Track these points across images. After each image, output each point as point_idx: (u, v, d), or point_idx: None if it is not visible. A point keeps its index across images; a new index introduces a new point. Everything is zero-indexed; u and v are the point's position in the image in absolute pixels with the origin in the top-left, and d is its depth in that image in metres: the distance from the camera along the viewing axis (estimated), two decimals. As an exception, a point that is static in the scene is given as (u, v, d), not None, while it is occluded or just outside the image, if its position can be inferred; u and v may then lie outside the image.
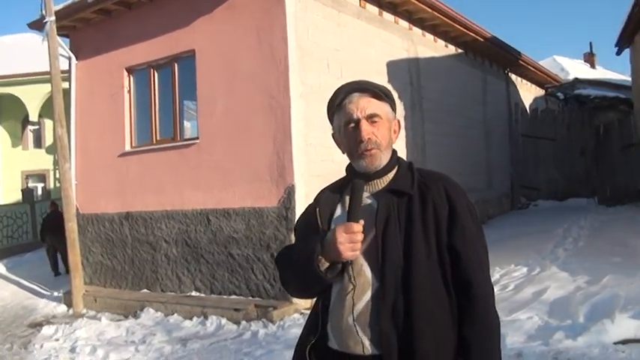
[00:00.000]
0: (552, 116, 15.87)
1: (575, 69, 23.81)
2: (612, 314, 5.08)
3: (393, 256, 1.68)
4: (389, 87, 1.96)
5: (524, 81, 17.15)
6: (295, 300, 7.16)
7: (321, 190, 1.95)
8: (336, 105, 1.83)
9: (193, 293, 8.24)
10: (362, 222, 1.67)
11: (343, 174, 1.88)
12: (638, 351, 4.50)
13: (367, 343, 1.67)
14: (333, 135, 1.92)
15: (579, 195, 14.60)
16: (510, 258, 8.01)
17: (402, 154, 1.94)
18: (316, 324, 1.82)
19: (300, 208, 7.23)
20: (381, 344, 1.65)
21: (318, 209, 1.87)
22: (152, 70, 9.09)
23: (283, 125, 7.40)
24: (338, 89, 1.84)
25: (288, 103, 7.37)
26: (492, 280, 1.86)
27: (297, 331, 6.06)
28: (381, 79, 8.68)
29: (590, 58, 27.23)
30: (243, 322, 6.97)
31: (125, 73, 9.36)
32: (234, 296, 7.81)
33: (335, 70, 8.08)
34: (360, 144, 1.77)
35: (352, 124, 1.79)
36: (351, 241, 1.65)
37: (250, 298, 7.63)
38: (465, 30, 11.43)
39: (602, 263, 7.31)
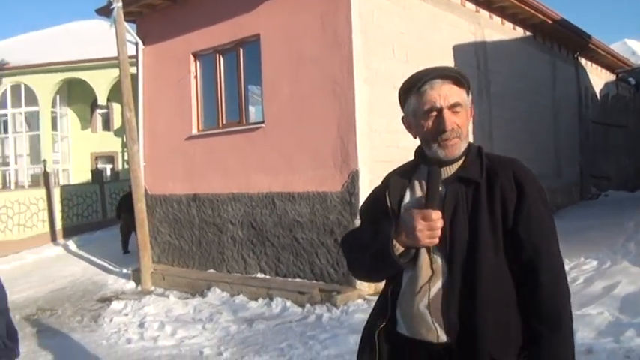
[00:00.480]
0: (623, 102, 15.23)
1: (646, 53, 22.69)
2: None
3: (461, 245, 1.67)
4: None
5: (593, 65, 16.45)
6: (359, 285, 7.19)
7: (390, 174, 1.93)
8: (416, 89, 1.78)
9: (258, 275, 8.39)
10: (437, 211, 1.66)
11: (408, 159, 1.87)
12: None
13: (439, 330, 1.67)
14: (403, 118, 1.89)
15: (652, 185, 14.00)
16: (580, 250, 7.75)
17: (470, 139, 1.90)
18: (385, 309, 1.82)
19: (364, 193, 7.22)
20: (450, 332, 1.65)
21: (388, 192, 1.85)
22: (218, 55, 9.22)
23: (347, 111, 7.39)
24: (417, 73, 1.80)
25: (352, 89, 7.35)
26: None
27: (361, 316, 6.12)
28: (447, 63, 8.51)
29: (662, 42, 25.86)
30: (308, 305, 7.04)
31: (191, 58, 9.54)
32: (298, 279, 7.91)
33: (400, 54, 7.98)
34: (442, 134, 1.73)
35: (434, 112, 1.75)
36: (429, 228, 1.65)
37: (314, 281, 7.70)
38: (533, 12, 11.04)
39: (676, 259, 7.01)
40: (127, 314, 7.52)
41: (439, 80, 1.75)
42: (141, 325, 6.91)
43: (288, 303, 7.20)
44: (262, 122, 8.46)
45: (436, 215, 1.65)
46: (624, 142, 14.58)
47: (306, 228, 7.84)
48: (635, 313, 5.30)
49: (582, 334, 4.95)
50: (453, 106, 1.73)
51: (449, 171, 1.78)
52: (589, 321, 5.24)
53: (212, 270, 9.12)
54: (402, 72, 7.57)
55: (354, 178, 7.30)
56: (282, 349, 5.55)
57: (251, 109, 9.06)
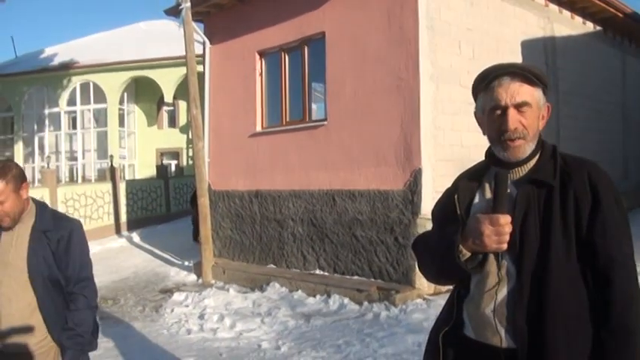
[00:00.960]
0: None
1: None
2: None
3: (531, 249, 1.62)
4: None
5: (666, 61, 15.68)
6: (418, 285, 7.12)
7: (459, 176, 1.91)
8: (484, 85, 1.74)
9: (317, 271, 8.42)
10: (506, 216, 1.61)
11: (472, 158, 1.83)
12: None
13: (504, 335, 1.65)
14: (475, 113, 1.85)
15: None
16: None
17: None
18: (451, 312, 1.82)
19: (426, 192, 7.13)
20: (516, 338, 1.62)
21: (456, 196, 1.82)
22: (283, 53, 9.30)
23: (412, 108, 7.30)
24: (487, 69, 1.75)
25: (417, 86, 7.26)
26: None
27: (419, 316, 6.06)
28: (515, 59, 8.30)
29: None
30: (365, 303, 7.01)
31: (257, 57, 9.67)
32: (356, 277, 7.89)
33: (467, 51, 7.83)
34: (505, 133, 1.69)
35: (499, 111, 1.70)
36: (497, 234, 1.61)
37: (372, 280, 7.67)
38: (604, 5, 10.59)
39: None
40: (187, 306, 7.68)
41: (508, 78, 1.70)
42: (201, 316, 7.05)
43: (346, 300, 7.19)
44: (325, 120, 8.48)
45: (504, 220, 1.61)
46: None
47: (366, 226, 7.81)
48: None
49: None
50: (519, 105, 1.68)
51: (521, 171, 1.73)
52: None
53: (272, 265, 9.22)
54: (468, 69, 7.54)
55: (416, 177, 7.22)
56: (339, 346, 5.56)
57: (314, 106, 9.11)
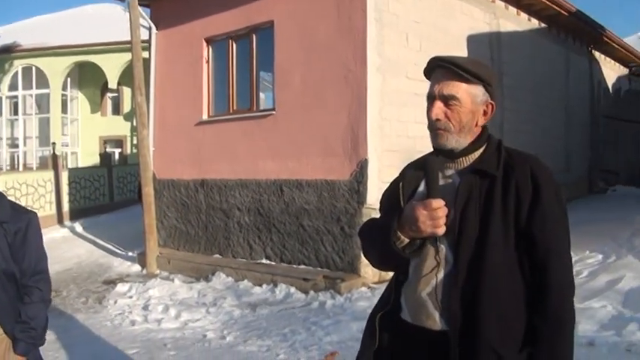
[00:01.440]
0: (636, 97, 15.05)
1: (660, 47, 22.41)
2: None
3: (470, 236, 1.66)
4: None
5: (607, 59, 16.30)
6: (363, 273, 7.22)
7: (407, 165, 1.94)
8: (426, 75, 1.83)
9: (264, 261, 8.40)
10: (439, 200, 1.66)
11: (418, 149, 1.88)
12: None
13: (438, 318, 1.69)
14: None
15: (661, 182, 13.87)
16: (585, 244, 7.73)
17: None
18: (389, 296, 1.86)
19: (372, 182, 7.21)
20: (450, 322, 1.66)
21: (401, 184, 1.86)
22: (231, 41, 9.19)
23: (359, 99, 7.35)
24: (431, 59, 1.81)
25: (364, 77, 7.31)
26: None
27: (364, 304, 6.13)
28: (461, 53, 8.45)
29: (677, 36, 25.60)
30: (312, 292, 7.05)
31: (204, 44, 9.52)
32: (303, 266, 7.92)
33: (414, 43, 7.93)
34: (429, 122, 1.77)
35: (430, 100, 1.77)
36: (431, 218, 1.64)
37: (319, 269, 7.71)
38: (549, 3, 10.93)
39: (682, 256, 6.97)
40: (131, 297, 7.56)
41: (441, 71, 1.76)
42: (145, 307, 6.95)
43: (293, 289, 7.22)
44: (273, 109, 8.44)
45: (437, 204, 1.65)
46: (634, 138, 14.44)
47: (313, 216, 7.84)
48: (639, 308, 5.30)
49: (584, 327, 4.96)
50: (446, 98, 1.73)
51: (465, 162, 1.77)
52: (592, 314, 5.27)
53: (217, 255, 9.14)
54: (415, 61, 7.63)
55: (362, 167, 7.28)
56: (284, 335, 5.58)
57: (262, 95, 9.04)
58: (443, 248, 1.71)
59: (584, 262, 7.12)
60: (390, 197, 1.91)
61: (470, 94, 1.73)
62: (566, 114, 12.96)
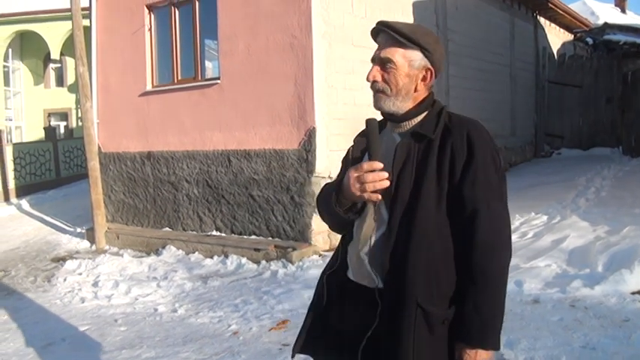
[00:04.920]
0: (580, 62, 15.37)
1: (605, 13, 22.95)
2: (631, 265, 5.08)
3: (404, 196, 1.71)
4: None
5: (552, 25, 16.57)
6: (314, 242, 7.27)
7: (359, 132, 1.98)
8: (374, 39, 1.87)
9: (214, 233, 8.35)
10: (373, 162, 1.68)
11: (365, 117, 1.90)
12: (656, 300, 4.50)
13: (374, 276, 1.75)
14: None
15: (604, 144, 14.28)
16: (531, 206, 7.97)
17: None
18: (337, 256, 1.94)
19: (320, 151, 7.20)
20: (384, 280, 1.72)
21: (351, 149, 1.93)
22: (173, 8, 8.91)
23: (305, 66, 7.28)
24: (376, 23, 1.85)
25: (310, 44, 7.22)
26: (512, 227, 1.80)
27: (315, 272, 6.18)
28: (407, 19, 8.45)
29: (620, 3, 26.22)
30: (263, 262, 7.07)
31: (146, 11, 9.21)
32: (254, 237, 7.91)
33: (359, 9, 7.86)
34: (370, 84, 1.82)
35: (372, 63, 1.82)
36: (359, 181, 1.68)
37: (270, 238, 7.72)
38: (494, -31, 11.03)
39: (623, 214, 7.25)
40: (80, 274, 7.46)
41: (382, 34, 1.81)
42: (95, 284, 6.86)
43: (244, 260, 7.22)
44: (218, 78, 8.28)
45: (367, 166, 1.67)
46: (579, 102, 14.79)
47: (262, 185, 7.80)
48: (582, 265, 5.52)
49: (530, 286, 5.13)
50: (382, 62, 1.78)
51: (408, 126, 1.81)
52: (537, 273, 5.44)
53: (167, 228, 9.03)
54: (361, 28, 7.58)
55: (310, 136, 7.25)
56: (236, 305, 5.58)
57: (208, 64, 8.85)
58: (381, 209, 1.76)
59: (530, 223, 7.33)
60: (344, 163, 1.98)
61: (406, 58, 1.76)
62: (512, 79, 13.19)
